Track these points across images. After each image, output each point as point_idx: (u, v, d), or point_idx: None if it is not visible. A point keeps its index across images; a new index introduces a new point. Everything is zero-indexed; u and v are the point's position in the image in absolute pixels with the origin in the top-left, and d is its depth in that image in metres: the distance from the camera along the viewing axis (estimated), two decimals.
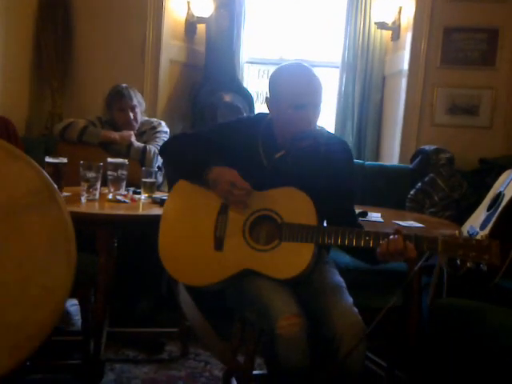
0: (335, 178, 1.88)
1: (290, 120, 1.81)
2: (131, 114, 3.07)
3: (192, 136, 2.01)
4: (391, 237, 1.64)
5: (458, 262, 1.59)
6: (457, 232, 1.60)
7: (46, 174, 0.91)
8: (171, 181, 2.01)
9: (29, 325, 0.82)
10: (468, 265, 1.57)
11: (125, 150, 3.00)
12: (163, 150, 2.06)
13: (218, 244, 1.83)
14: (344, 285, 1.86)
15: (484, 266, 1.56)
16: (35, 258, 0.84)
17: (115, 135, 3.02)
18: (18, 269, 0.75)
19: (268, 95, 1.90)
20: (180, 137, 2.07)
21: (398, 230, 1.65)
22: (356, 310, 1.73)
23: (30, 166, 0.91)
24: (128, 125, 3.08)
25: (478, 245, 1.56)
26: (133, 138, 3.04)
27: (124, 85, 3.11)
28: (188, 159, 1.91)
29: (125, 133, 3.04)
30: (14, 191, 0.87)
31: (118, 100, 3.06)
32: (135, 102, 3.09)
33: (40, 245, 0.85)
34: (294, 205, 1.80)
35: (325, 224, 1.92)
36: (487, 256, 1.55)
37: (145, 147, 3.01)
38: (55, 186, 0.91)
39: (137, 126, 3.13)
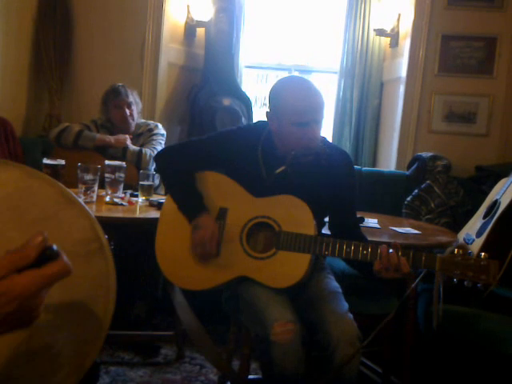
0: (336, 190, 1.86)
1: (292, 137, 1.77)
2: (127, 111, 3.07)
3: (186, 151, 1.94)
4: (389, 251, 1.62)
5: (455, 280, 1.58)
6: (456, 250, 1.59)
7: (98, 224, 0.88)
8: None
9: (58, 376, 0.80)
10: (465, 283, 1.56)
11: (120, 153, 2.99)
12: (157, 160, 2.04)
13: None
14: (340, 290, 1.86)
15: (481, 286, 1.55)
16: (73, 306, 0.83)
17: (110, 139, 3.01)
18: (53, 315, 0.73)
19: (268, 109, 1.85)
20: (174, 151, 1.98)
21: (396, 245, 1.63)
22: (351, 316, 1.73)
23: (85, 214, 0.89)
24: (124, 122, 3.08)
25: (475, 264, 1.55)
26: (128, 142, 3.03)
27: (120, 84, 3.12)
28: (178, 188, 1.90)
29: (120, 136, 3.03)
30: (65, 238, 0.86)
31: (114, 97, 3.06)
32: (131, 99, 3.09)
33: (80, 294, 0.83)
34: (292, 213, 1.78)
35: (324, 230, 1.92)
36: (484, 276, 1.53)
37: (140, 150, 3.00)
38: (105, 236, 0.88)
39: (133, 124, 3.12)
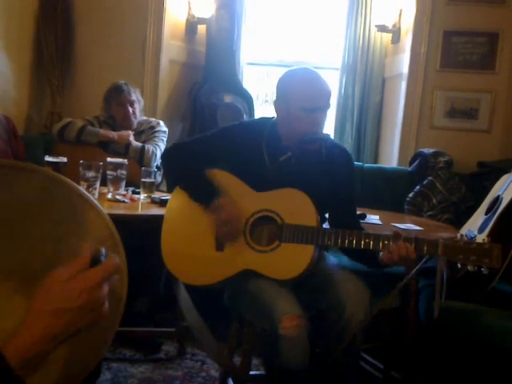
0: (336, 184, 1.91)
1: (299, 122, 1.83)
2: (130, 109, 3.07)
3: (192, 147, 1.97)
4: (392, 243, 1.65)
5: (459, 265, 1.59)
6: (458, 235, 1.59)
7: (112, 223, 0.94)
8: (172, 183, 2.02)
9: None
10: (469, 268, 1.56)
11: (123, 149, 3.00)
12: (165, 157, 2.08)
13: (219, 244, 1.85)
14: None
15: (485, 270, 1.55)
16: None
17: (113, 135, 3.02)
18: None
19: (276, 97, 1.92)
20: (180, 148, 2.02)
21: (398, 233, 1.65)
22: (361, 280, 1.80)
23: (101, 214, 0.94)
24: (127, 119, 3.08)
25: (478, 248, 1.56)
26: (131, 138, 3.04)
27: (123, 81, 3.13)
28: (188, 179, 1.92)
29: (123, 132, 3.04)
30: (86, 236, 0.91)
31: (116, 95, 3.07)
32: (134, 97, 3.10)
33: None
34: (294, 206, 1.81)
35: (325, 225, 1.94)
36: (487, 260, 1.54)
37: (143, 147, 3.01)
38: (118, 235, 0.94)
39: (135, 121, 3.13)
